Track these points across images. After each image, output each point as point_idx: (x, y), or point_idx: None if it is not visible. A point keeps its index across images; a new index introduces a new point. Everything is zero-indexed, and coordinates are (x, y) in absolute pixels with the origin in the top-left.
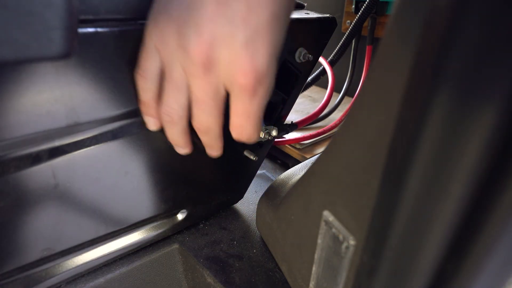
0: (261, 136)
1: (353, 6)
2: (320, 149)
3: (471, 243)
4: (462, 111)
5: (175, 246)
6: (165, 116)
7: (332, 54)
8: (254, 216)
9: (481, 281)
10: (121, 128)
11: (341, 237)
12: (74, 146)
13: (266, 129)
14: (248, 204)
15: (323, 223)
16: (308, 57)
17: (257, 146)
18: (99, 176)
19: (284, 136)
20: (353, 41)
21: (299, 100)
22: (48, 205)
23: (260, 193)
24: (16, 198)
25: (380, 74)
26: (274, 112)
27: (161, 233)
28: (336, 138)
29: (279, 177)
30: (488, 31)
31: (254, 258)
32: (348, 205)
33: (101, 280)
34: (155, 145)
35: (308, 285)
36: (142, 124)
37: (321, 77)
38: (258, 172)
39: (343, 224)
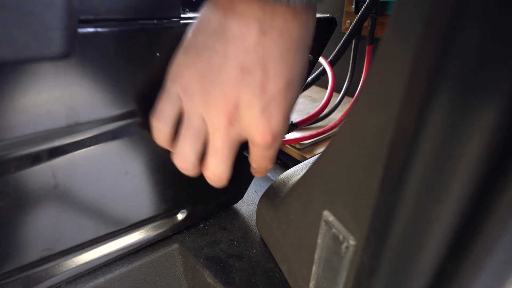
0: None
1: (353, 6)
2: (320, 149)
3: (471, 243)
4: (462, 111)
5: (175, 246)
6: (179, 163)
7: (332, 54)
8: (254, 216)
9: (481, 281)
10: (121, 128)
11: (341, 237)
12: (74, 146)
13: None
14: (248, 204)
15: (323, 223)
16: (308, 57)
17: None
18: (99, 176)
19: (284, 136)
20: (353, 41)
21: (299, 100)
22: (48, 205)
23: (260, 193)
24: (16, 198)
25: (380, 74)
26: None
27: (161, 233)
28: (336, 138)
29: (279, 177)
30: (488, 31)
31: (254, 258)
32: (348, 205)
33: (101, 280)
34: (155, 145)
35: (308, 285)
36: (142, 124)
37: (321, 77)
38: None
39: (343, 224)
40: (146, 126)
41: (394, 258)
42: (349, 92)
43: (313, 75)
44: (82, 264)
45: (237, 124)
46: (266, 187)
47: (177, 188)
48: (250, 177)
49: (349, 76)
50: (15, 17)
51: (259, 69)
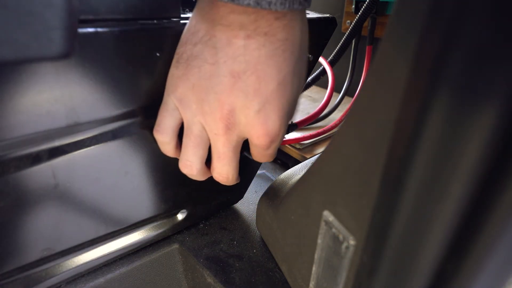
0: None
1: (353, 6)
2: (320, 149)
3: (471, 243)
4: (462, 111)
5: (175, 246)
6: (184, 168)
7: (332, 54)
8: (254, 216)
9: (481, 281)
10: (121, 128)
11: (341, 237)
12: (74, 146)
13: None
14: (248, 204)
15: (323, 223)
16: (308, 57)
17: None
18: (99, 176)
19: (284, 135)
20: (353, 41)
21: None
22: (48, 205)
23: (260, 193)
24: (16, 198)
25: (380, 74)
26: None
27: (161, 233)
28: (336, 138)
29: (279, 177)
30: (488, 31)
31: (254, 258)
32: (348, 205)
33: (101, 280)
34: (155, 145)
35: (308, 285)
36: (142, 124)
37: (321, 77)
38: (258, 172)
39: (343, 224)
40: (146, 125)
41: (394, 258)
42: (349, 92)
43: (313, 75)
44: (82, 264)
45: (235, 128)
46: (266, 187)
47: (177, 188)
48: (250, 177)
49: (349, 76)
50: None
51: (249, 72)
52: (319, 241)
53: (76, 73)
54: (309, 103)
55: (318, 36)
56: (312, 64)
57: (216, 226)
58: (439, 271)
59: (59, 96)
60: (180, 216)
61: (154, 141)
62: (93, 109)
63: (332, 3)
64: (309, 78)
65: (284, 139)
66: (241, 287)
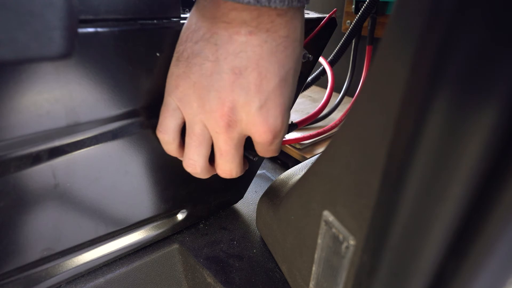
0: None
1: (353, 6)
2: (320, 149)
3: (471, 243)
4: (462, 111)
5: (175, 246)
6: (188, 167)
7: (332, 54)
8: (254, 216)
9: (481, 281)
10: (121, 128)
11: (341, 237)
12: (74, 146)
13: None
14: (248, 204)
15: (323, 223)
16: (308, 57)
17: None
18: (99, 176)
19: (286, 131)
20: (353, 41)
21: (299, 100)
22: (48, 205)
23: (260, 193)
24: (16, 198)
25: (380, 74)
26: None
27: (161, 233)
28: (336, 138)
29: (279, 177)
30: (488, 32)
31: (254, 258)
32: (348, 205)
33: (101, 280)
34: (155, 145)
35: (308, 285)
36: (142, 124)
37: (321, 77)
38: (258, 172)
39: (343, 224)
40: (146, 125)
41: (394, 258)
42: (349, 92)
43: (313, 75)
44: (82, 264)
45: (236, 125)
46: (266, 187)
47: (177, 188)
48: (250, 177)
49: (349, 76)
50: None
51: (251, 69)
52: (319, 241)
53: (76, 73)
54: (309, 103)
55: (318, 36)
56: (312, 64)
57: (216, 226)
58: (439, 271)
59: (59, 96)
60: (180, 216)
61: (154, 140)
62: (93, 109)
63: (332, 3)
64: (309, 78)
65: (284, 139)
66: (241, 287)
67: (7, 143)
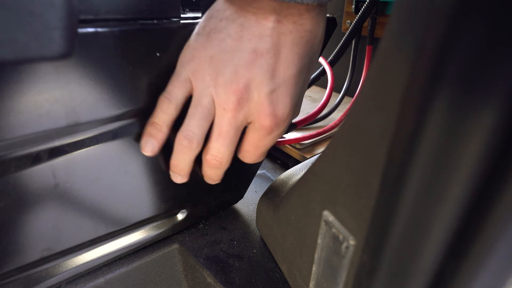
0: None
1: (353, 6)
2: (320, 149)
3: (471, 243)
4: (462, 111)
5: (175, 246)
6: (184, 140)
7: (332, 54)
8: (254, 216)
9: (481, 281)
10: (121, 128)
11: (341, 237)
12: (74, 146)
13: None
14: (248, 204)
15: (323, 223)
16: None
17: None
18: (99, 176)
19: (284, 136)
20: (353, 41)
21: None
22: (48, 205)
23: (260, 193)
24: (16, 198)
25: (380, 74)
26: None
27: (161, 233)
28: (336, 138)
29: (279, 177)
30: (488, 32)
31: (254, 258)
32: (348, 205)
33: (101, 280)
34: None
35: (308, 285)
36: (142, 124)
37: (321, 77)
38: (258, 172)
39: (343, 224)
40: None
41: (394, 258)
42: (349, 92)
43: (313, 75)
44: (82, 264)
45: (246, 104)
46: (266, 187)
47: (177, 188)
48: (250, 177)
49: (349, 76)
50: (15, 17)
51: (272, 53)
52: (319, 241)
53: (76, 73)
54: (309, 103)
55: None
56: None
57: (216, 226)
58: (439, 271)
59: (59, 96)
60: (180, 216)
61: None
62: (93, 109)
63: (332, 3)
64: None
65: (284, 139)
66: (241, 287)
67: (7, 143)
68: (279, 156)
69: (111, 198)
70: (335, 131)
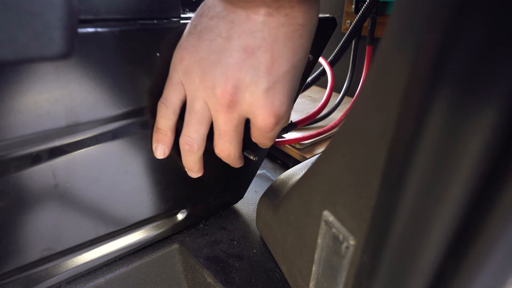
0: None
1: (353, 6)
2: (320, 149)
3: (471, 243)
4: (462, 111)
5: (175, 246)
6: (185, 145)
7: (332, 54)
8: (254, 216)
9: (481, 281)
10: (121, 128)
11: (341, 237)
12: (74, 146)
13: None
14: (248, 204)
15: (323, 223)
16: (308, 57)
17: (256, 146)
18: (99, 176)
19: (284, 136)
20: (353, 41)
21: (299, 100)
22: (48, 205)
23: (260, 193)
24: (16, 198)
25: (380, 74)
26: None
27: (161, 233)
28: (336, 138)
29: (279, 177)
30: (488, 32)
31: (254, 258)
32: (348, 205)
33: (101, 280)
34: None
35: (308, 285)
36: (142, 124)
37: (321, 77)
38: (258, 172)
39: (343, 224)
40: (146, 125)
41: (394, 258)
42: (349, 92)
43: (313, 75)
44: (82, 264)
45: (237, 106)
46: (266, 187)
47: (177, 188)
48: (250, 177)
49: (349, 76)
50: (16, 17)
51: (264, 49)
52: (319, 241)
53: (76, 73)
54: (309, 103)
55: (318, 36)
56: (312, 64)
57: (216, 226)
58: (439, 271)
59: (59, 96)
60: (180, 216)
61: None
62: (93, 109)
63: (332, 3)
64: (309, 78)
65: (284, 139)
66: (241, 287)
67: (7, 143)
68: (279, 156)
69: (111, 198)
70: (335, 131)
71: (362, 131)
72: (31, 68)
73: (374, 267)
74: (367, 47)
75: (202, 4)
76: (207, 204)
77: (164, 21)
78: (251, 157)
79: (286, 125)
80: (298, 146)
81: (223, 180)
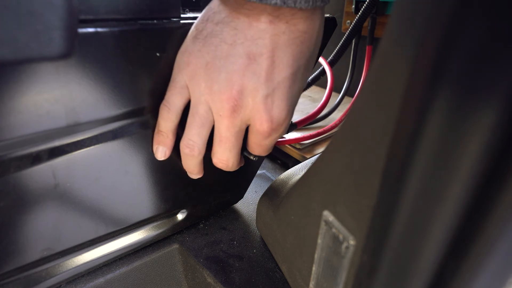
0: None
1: (353, 6)
2: (320, 149)
3: (471, 243)
4: (462, 111)
5: (175, 246)
6: (186, 148)
7: (332, 54)
8: (254, 216)
9: (481, 281)
10: (121, 128)
11: (341, 237)
12: (74, 146)
13: None
14: (248, 204)
15: (323, 223)
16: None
17: None
18: (99, 176)
19: (284, 136)
20: (353, 41)
21: (299, 100)
22: (48, 205)
23: (260, 193)
24: (16, 198)
25: (380, 74)
26: None
27: (161, 233)
28: (336, 138)
29: (279, 177)
30: (488, 32)
31: (254, 258)
32: (348, 205)
33: (101, 280)
34: None
35: (308, 285)
36: (142, 124)
37: (321, 77)
38: (258, 172)
39: (343, 224)
40: (146, 125)
41: (394, 258)
42: (349, 92)
43: (313, 75)
44: (82, 264)
45: (241, 111)
46: (266, 187)
47: (177, 188)
48: (250, 177)
49: (349, 76)
50: (16, 17)
51: (265, 56)
52: (319, 241)
53: (76, 73)
54: (309, 103)
55: None
56: None
57: (216, 226)
58: (439, 271)
59: (59, 96)
60: (180, 216)
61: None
62: (93, 109)
63: (332, 3)
64: (309, 78)
65: (284, 139)
66: (241, 287)
67: (7, 143)
68: (279, 156)
69: (111, 198)
70: (335, 131)
71: (362, 131)
72: (31, 68)
73: (374, 267)
74: (367, 47)
75: (207, 8)
76: (207, 204)
77: (164, 21)
78: (251, 157)
79: (284, 134)
80: (298, 146)
81: (223, 180)
